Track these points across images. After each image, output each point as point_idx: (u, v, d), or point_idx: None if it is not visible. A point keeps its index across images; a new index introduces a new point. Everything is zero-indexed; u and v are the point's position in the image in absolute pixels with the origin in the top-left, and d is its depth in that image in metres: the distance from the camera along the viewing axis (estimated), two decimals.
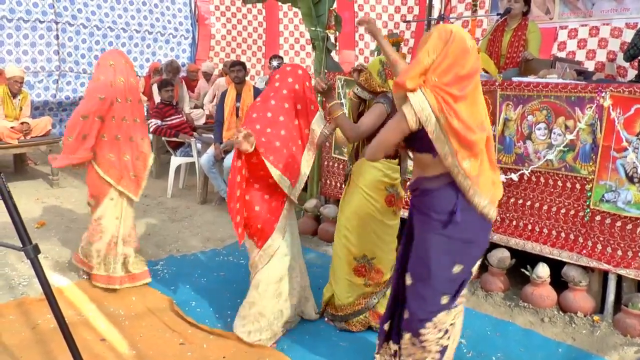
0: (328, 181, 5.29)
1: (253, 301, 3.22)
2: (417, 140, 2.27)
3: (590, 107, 3.51)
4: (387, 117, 3.14)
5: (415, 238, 2.42)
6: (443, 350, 2.47)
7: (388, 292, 3.36)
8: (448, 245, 2.30)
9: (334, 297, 3.48)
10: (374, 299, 3.41)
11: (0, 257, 4.33)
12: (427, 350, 2.44)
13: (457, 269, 2.33)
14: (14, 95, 6.63)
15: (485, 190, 2.28)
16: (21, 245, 2.16)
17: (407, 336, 2.47)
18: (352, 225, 3.33)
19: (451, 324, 2.46)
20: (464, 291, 2.47)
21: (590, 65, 5.57)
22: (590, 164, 3.55)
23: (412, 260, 2.43)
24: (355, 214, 3.32)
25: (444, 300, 2.37)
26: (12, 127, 6.41)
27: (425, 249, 2.34)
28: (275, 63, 7.34)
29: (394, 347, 2.63)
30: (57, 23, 8.82)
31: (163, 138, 6.63)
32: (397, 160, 3.32)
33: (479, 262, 2.44)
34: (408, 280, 2.42)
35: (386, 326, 2.66)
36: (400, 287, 2.54)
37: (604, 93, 3.44)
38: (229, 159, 5.59)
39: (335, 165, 5.19)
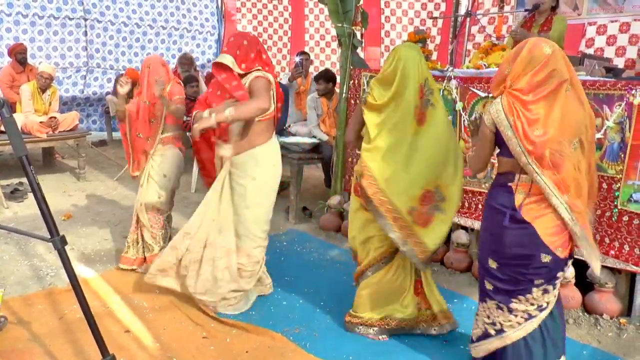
0: (352, 178, 5.26)
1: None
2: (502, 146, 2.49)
3: (620, 105, 3.44)
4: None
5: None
6: (528, 318, 2.57)
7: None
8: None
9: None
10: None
11: (30, 248, 4.43)
12: (513, 314, 2.57)
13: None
14: (43, 91, 6.76)
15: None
16: (49, 237, 2.21)
17: (492, 302, 2.62)
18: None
19: (547, 302, 2.56)
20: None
21: (620, 62, 5.45)
22: (618, 163, 3.48)
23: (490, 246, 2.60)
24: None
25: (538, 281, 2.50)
26: (41, 122, 6.53)
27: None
28: (297, 59, 7.30)
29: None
30: (85, 20, 8.97)
31: (187, 133, 6.67)
32: None
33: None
34: (493, 264, 2.58)
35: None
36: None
37: (634, 90, 3.35)
38: None
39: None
